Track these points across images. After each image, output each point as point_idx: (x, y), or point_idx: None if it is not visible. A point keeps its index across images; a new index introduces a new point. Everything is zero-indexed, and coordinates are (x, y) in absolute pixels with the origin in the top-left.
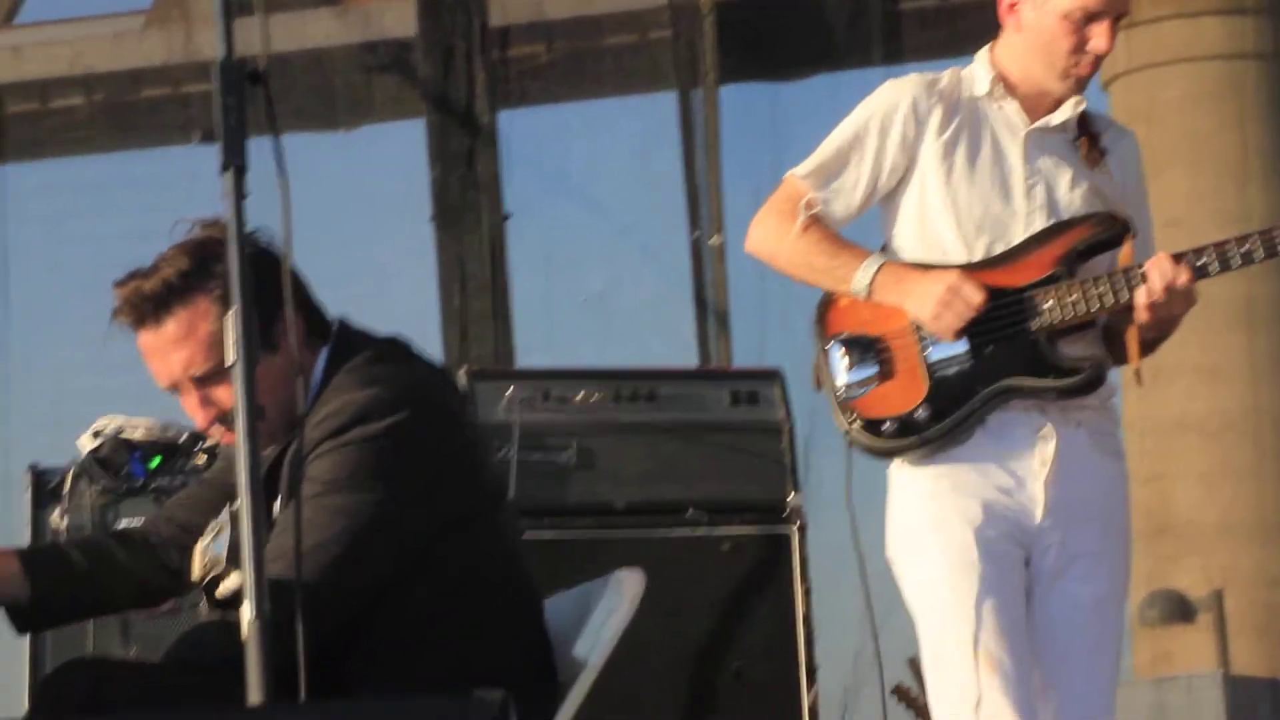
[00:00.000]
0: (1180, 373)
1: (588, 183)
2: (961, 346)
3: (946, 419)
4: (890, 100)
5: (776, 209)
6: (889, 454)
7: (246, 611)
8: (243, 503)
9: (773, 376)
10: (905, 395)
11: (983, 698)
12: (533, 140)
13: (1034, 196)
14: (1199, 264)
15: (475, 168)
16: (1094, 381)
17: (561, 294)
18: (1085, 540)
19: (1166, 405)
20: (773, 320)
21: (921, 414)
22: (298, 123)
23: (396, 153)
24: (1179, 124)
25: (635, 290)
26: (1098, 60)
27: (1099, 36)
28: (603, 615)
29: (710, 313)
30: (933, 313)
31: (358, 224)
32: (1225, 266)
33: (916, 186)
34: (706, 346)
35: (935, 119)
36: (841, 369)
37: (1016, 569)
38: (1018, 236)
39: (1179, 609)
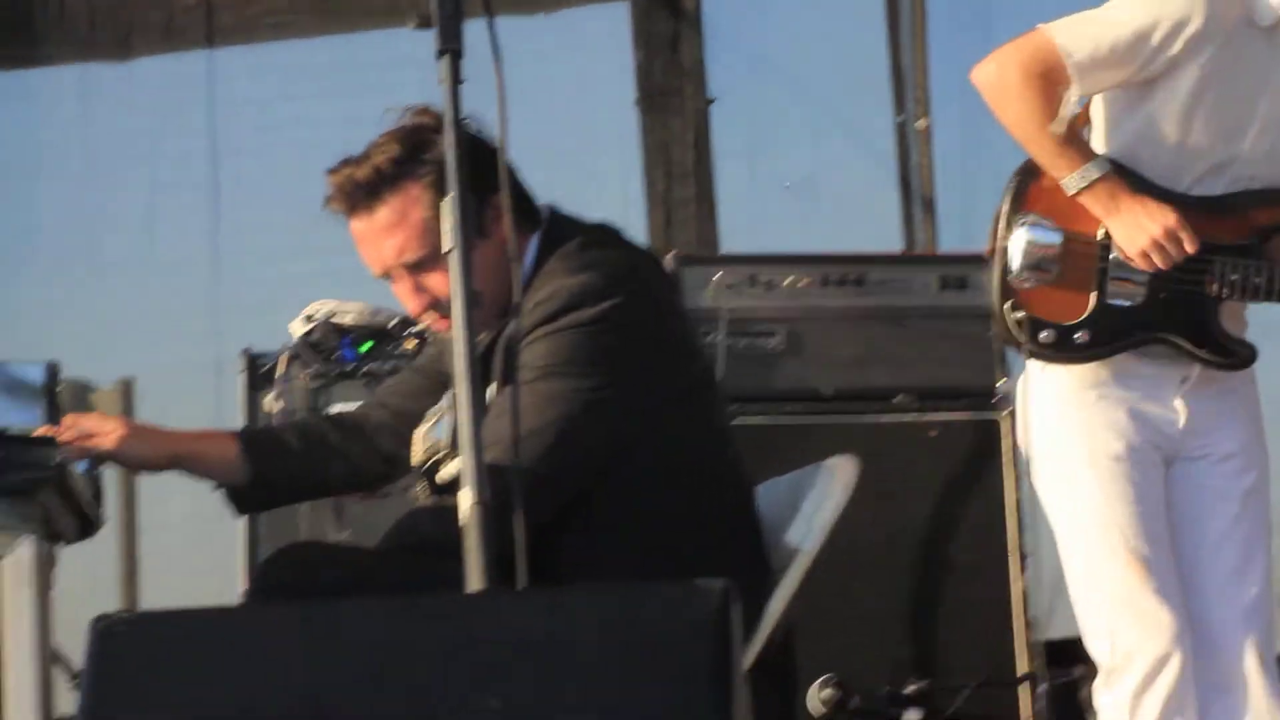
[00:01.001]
0: None
1: (791, 66)
2: (1140, 276)
3: (1101, 347)
4: (1186, 10)
5: (1022, 64)
6: (1033, 357)
7: (465, 498)
8: (459, 390)
9: (981, 261)
10: (1070, 306)
11: (1134, 596)
12: (737, 23)
13: (1260, 143)
14: None
15: (680, 51)
16: (1244, 364)
17: (765, 179)
18: (1229, 441)
19: None
20: (978, 205)
21: (1080, 338)
22: (500, 5)
23: (600, 36)
24: None
25: (839, 175)
26: None
27: None
28: (816, 502)
29: (915, 197)
30: (1142, 249)
31: (561, 109)
32: None
33: (1159, 96)
34: (911, 231)
35: (1211, 46)
36: (1021, 251)
37: (1160, 474)
38: (1225, 178)
39: None
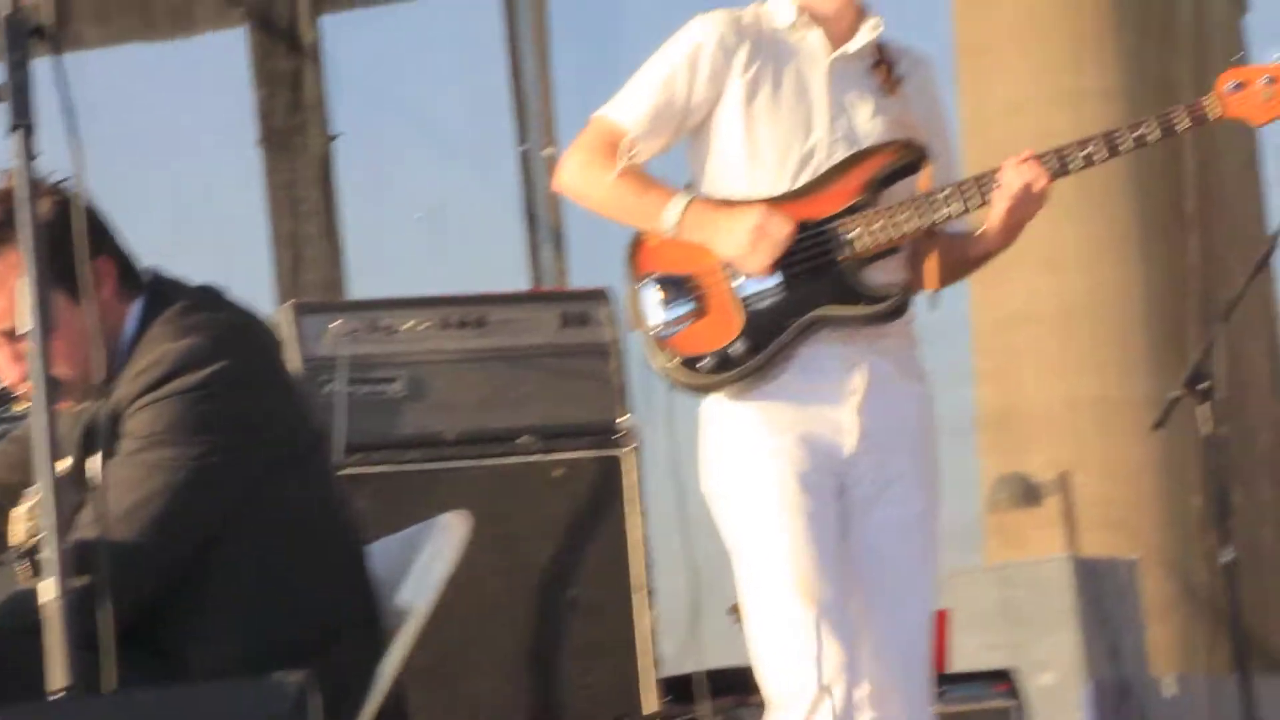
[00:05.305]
0: (1018, 264)
1: (414, 98)
2: (773, 280)
3: (761, 352)
4: (697, 38)
5: (587, 148)
6: (707, 390)
7: (48, 590)
8: (41, 480)
9: (602, 296)
10: (720, 331)
11: (804, 630)
12: (357, 57)
13: (836, 128)
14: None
15: (301, 88)
16: (900, 307)
17: (393, 214)
18: (897, 465)
19: (1007, 298)
20: (609, 235)
21: (738, 348)
22: (117, 35)
23: (220, 71)
24: (1019, 2)
25: (466, 207)
26: None
27: None
28: (428, 560)
29: (543, 229)
30: (742, 251)
31: (184, 146)
32: (1066, 170)
33: (722, 123)
34: (538, 265)
35: (741, 55)
36: (654, 308)
37: (832, 501)
38: (822, 168)
39: (1026, 493)
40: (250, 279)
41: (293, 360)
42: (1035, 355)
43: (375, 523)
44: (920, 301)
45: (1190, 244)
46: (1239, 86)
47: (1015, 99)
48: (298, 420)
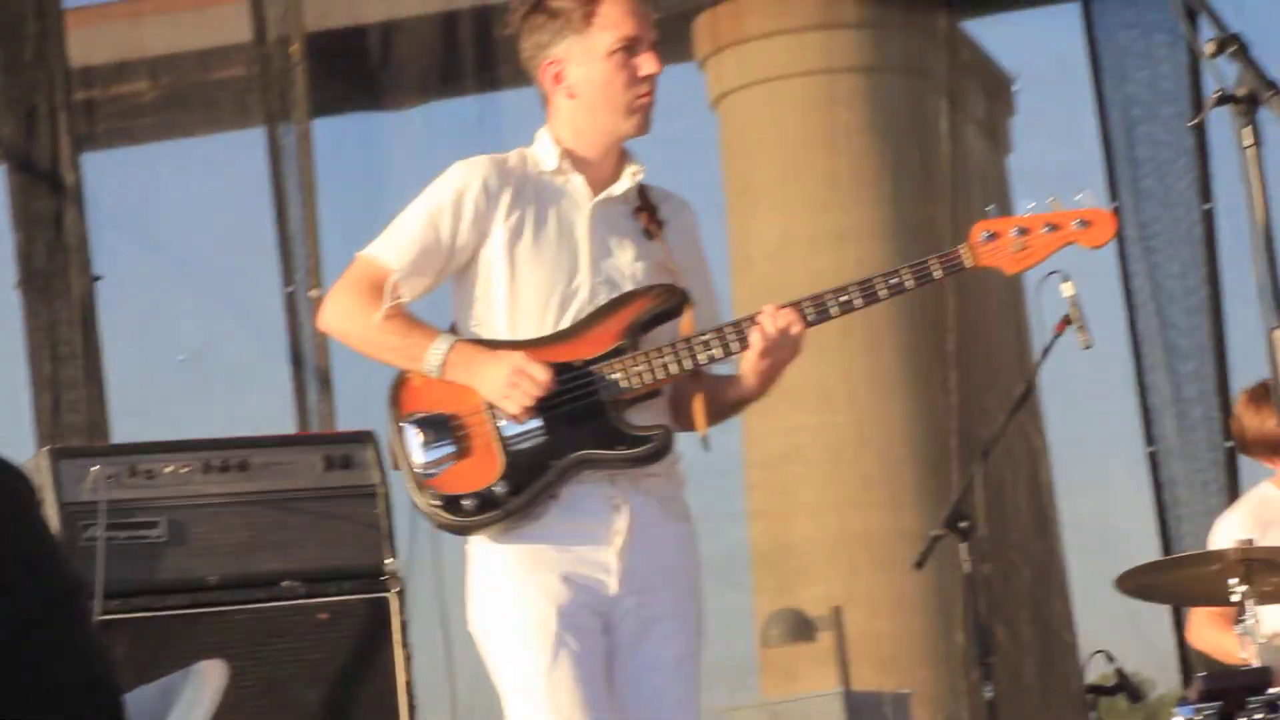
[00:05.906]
0: (786, 403)
1: (178, 239)
2: (535, 422)
3: (523, 493)
4: (461, 181)
5: (350, 288)
6: (468, 530)
7: None
8: None
9: (366, 439)
10: (482, 472)
11: None
12: (120, 198)
13: (598, 271)
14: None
15: (63, 230)
16: (662, 450)
17: (156, 357)
18: (661, 604)
19: (776, 436)
20: (376, 377)
21: (499, 489)
22: None
23: None
24: (785, 140)
25: (231, 350)
26: (653, 85)
27: (647, 62)
28: (184, 710)
29: (309, 371)
30: (501, 394)
31: None
32: (824, 316)
33: (486, 266)
34: (305, 406)
35: (505, 199)
36: (417, 448)
37: (597, 638)
38: (584, 311)
39: (799, 628)
40: (10, 423)
41: (50, 506)
42: (805, 492)
43: (135, 669)
44: (694, 442)
45: (950, 383)
46: (992, 236)
47: (780, 239)
48: (52, 570)
